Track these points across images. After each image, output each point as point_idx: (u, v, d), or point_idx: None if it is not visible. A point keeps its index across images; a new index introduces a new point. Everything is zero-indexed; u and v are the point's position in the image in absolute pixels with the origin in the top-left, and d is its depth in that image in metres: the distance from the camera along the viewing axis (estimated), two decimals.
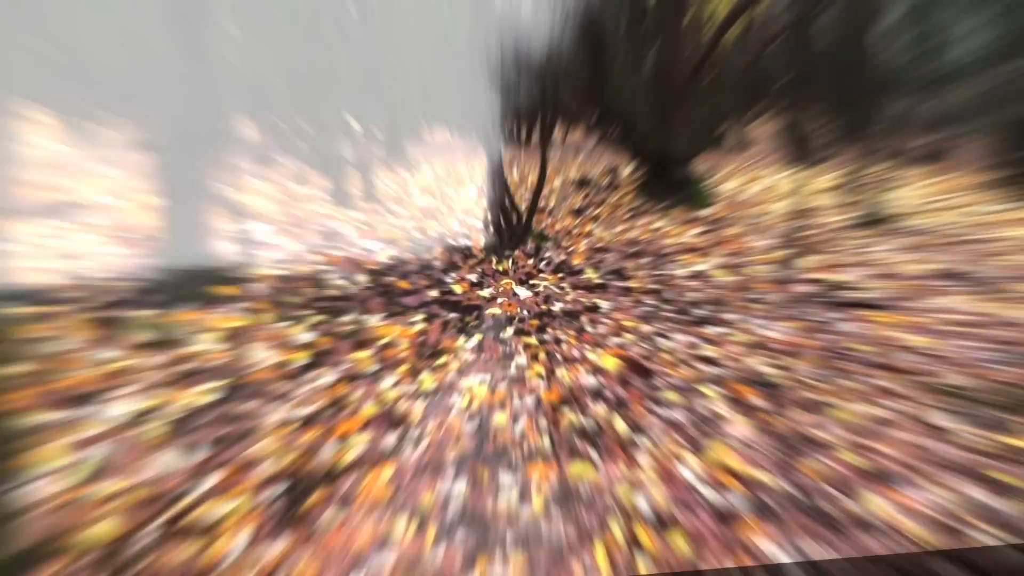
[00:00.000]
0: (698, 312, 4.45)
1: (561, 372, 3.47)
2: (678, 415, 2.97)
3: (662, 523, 2.19)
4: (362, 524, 2.20)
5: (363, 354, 3.68)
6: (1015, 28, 9.54)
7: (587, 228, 7.35)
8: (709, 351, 3.73)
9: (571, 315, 4.43)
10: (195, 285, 4.52)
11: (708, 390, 3.22)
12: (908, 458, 2.54)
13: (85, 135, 10.89)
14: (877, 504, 2.26)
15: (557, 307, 4.60)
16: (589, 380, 3.37)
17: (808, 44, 12.01)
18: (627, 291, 4.97)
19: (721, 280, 5.22)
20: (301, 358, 3.58)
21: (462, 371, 3.51)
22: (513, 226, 6.39)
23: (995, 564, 2.03)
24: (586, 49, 8.75)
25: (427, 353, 3.74)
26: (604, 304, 4.65)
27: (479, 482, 2.44)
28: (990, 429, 2.75)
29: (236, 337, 3.84)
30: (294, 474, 2.46)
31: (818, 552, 2.05)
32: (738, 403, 3.08)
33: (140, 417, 2.84)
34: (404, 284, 5.09)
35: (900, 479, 2.40)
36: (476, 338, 3.99)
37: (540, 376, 3.43)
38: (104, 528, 2.12)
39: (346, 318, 4.28)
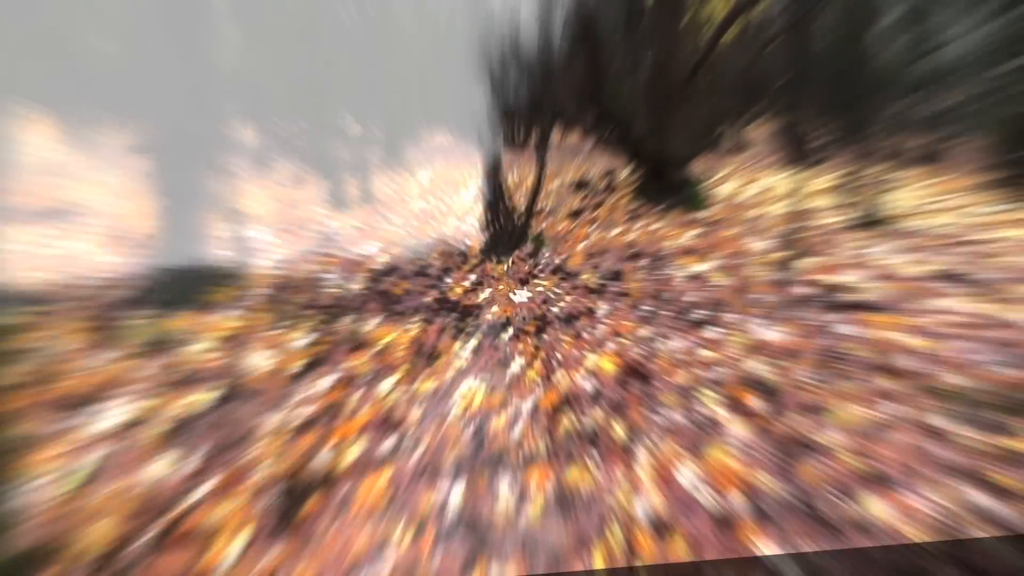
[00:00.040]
0: (696, 315, 4.44)
1: (559, 375, 3.46)
2: (676, 418, 2.96)
3: (660, 528, 2.18)
4: (359, 529, 2.19)
5: (360, 358, 3.66)
6: (1011, 29, 9.54)
7: (585, 230, 7.35)
8: (707, 354, 3.72)
9: (569, 318, 4.42)
10: (192, 288, 4.51)
11: (706, 393, 3.21)
12: (907, 461, 2.53)
13: (83, 138, 10.88)
14: (876, 507, 2.25)
15: (555, 310, 4.59)
16: (587, 383, 3.36)
17: (805, 46, 12.03)
18: (625, 294, 4.96)
19: (719, 282, 5.21)
20: (298, 362, 3.57)
21: (460, 374, 3.50)
22: (511, 228, 6.38)
23: (993, 563, 2.02)
24: (584, 51, 8.75)
25: (424, 356, 3.73)
26: (602, 307, 4.64)
27: (477, 486, 2.43)
28: (990, 431, 2.74)
29: (233, 341, 3.83)
30: (291, 478, 2.45)
31: (817, 556, 2.04)
32: (736, 406, 3.07)
33: (136, 422, 2.82)
34: (402, 287, 5.08)
35: (899, 482, 2.39)
36: (473, 341, 3.99)
37: (538, 379, 3.42)
38: (99, 533, 2.11)
39: (343, 321, 4.27)
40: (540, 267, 5.76)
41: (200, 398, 3.09)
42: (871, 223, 7.33)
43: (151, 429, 2.78)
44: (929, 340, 3.81)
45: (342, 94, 9.97)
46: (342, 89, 9.90)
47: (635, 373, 3.47)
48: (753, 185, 10.50)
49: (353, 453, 2.65)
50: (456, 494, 2.38)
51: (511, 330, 4.20)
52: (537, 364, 3.63)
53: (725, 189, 10.14)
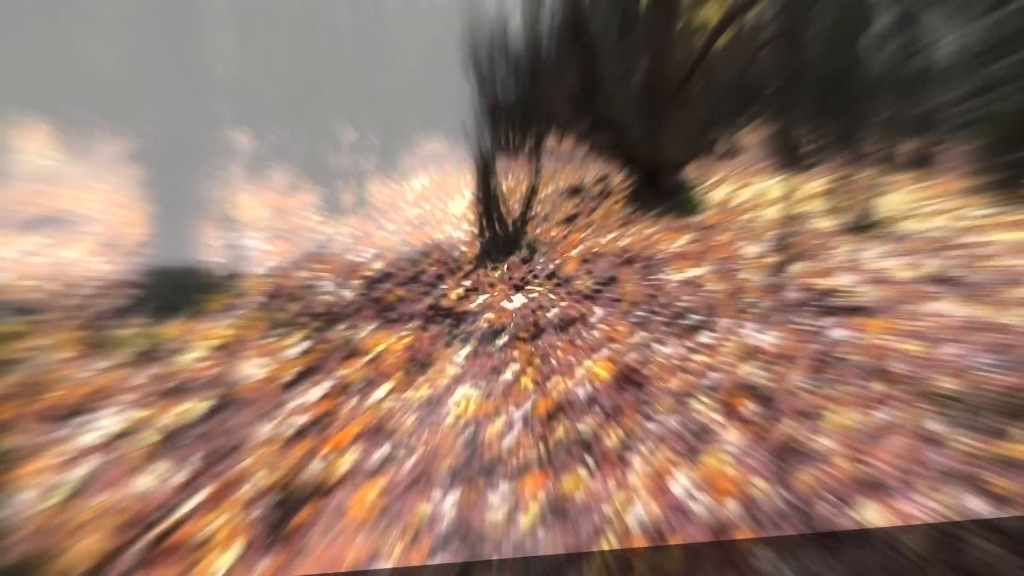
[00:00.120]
0: (690, 320, 4.44)
1: (554, 381, 3.45)
2: (671, 425, 2.95)
3: (655, 537, 2.17)
4: (351, 540, 2.17)
5: (354, 365, 3.65)
6: (1001, 30, 9.59)
7: (579, 236, 7.34)
8: (702, 359, 3.71)
9: (563, 323, 4.41)
10: (184, 296, 4.48)
11: (701, 399, 3.20)
12: (903, 466, 2.52)
13: (77, 145, 10.84)
14: (872, 513, 2.24)
15: (549, 316, 4.58)
16: (582, 389, 3.35)
17: (798, 51, 12.06)
18: (619, 299, 4.95)
19: (713, 287, 5.21)
20: (291, 370, 3.55)
21: (453, 382, 3.48)
22: (505, 234, 6.37)
23: (990, 571, 2.02)
24: (578, 57, 8.76)
25: (419, 363, 3.71)
26: (596, 312, 4.63)
27: (470, 495, 2.41)
28: (987, 436, 2.73)
29: (225, 349, 3.81)
30: (284, 488, 2.43)
31: (814, 562, 2.03)
32: (731, 412, 3.06)
33: (126, 433, 2.80)
34: (396, 293, 5.06)
35: (895, 488, 2.38)
36: (467, 348, 3.97)
37: (532, 386, 3.40)
38: (87, 547, 2.09)
39: (337, 329, 4.25)
40: (534, 273, 5.75)
41: (191, 408, 3.07)
42: (864, 227, 7.34)
43: (141, 440, 2.75)
44: (924, 344, 3.81)
45: (337, 100, 9.96)
46: (337, 95, 9.89)
47: (629, 379, 3.46)
48: (746, 190, 10.51)
49: (346, 463, 2.63)
50: (449, 504, 2.37)
51: (505, 337, 4.18)
52: (531, 371, 3.61)
53: (718, 194, 10.15)
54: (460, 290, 5.20)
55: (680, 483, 2.46)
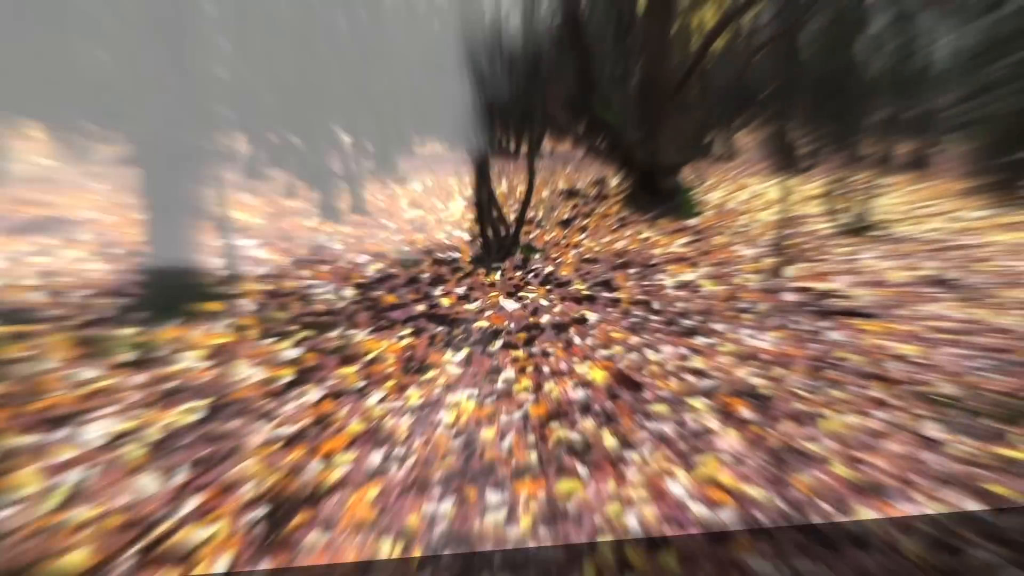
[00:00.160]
0: (687, 323, 4.43)
1: (549, 386, 3.43)
2: (668, 429, 2.94)
3: (652, 542, 2.16)
4: (347, 545, 2.16)
5: (349, 370, 3.63)
6: (997, 35, 9.61)
7: (575, 239, 7.34)
8: (698, 363, 3.70)
9: (559, 327, 4.39)
10: (179, 301, 4.46)
11: (698, 403, 3.19)
12: (901, 471, 2.51)
13: (74, 149, 10.84)
14: (870, 518, 2.23)
15: (545, 319, 4.57)
16: (577, 394, 3.34)
17: (794, 53, 12.09)
18: (615, 302, 4.94)
19: (709, 290, 5.20)
20: (286, 375, 3.53)
21: (449, 386, 3.47)
22: (501, 238, 6.36)
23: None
24: (574, 60, 8.77)
25: (414, 368, 3.70)
26: (592, 316, 4.62)
27: (466, 500, 2.40)
28: (985, 440, 2.72)
29: (220, 354, 3.79)
30: (277, 495, 2.41)
31: (813, 563, 2.02)
32: (728, 416, 3.05)
33: (118, 439, 2.78)
34: (391, 298, 5.05)
35: (894, 493, 2.37)
36: (463, 352, 3.96)
37: (528, 390, 3.39)
38: (77, 557, 2.07)
39: (332, 333, 4.23)
40: (531, 276, 5.74)
41: (185, 413, 3.05)
42: (860, 229, 7.34)
43: (134, 446, 2.73)
44: (921, 346, 3.80)
45: (334, 104, 9.96)
46: (334, 99, 9.89)
47: (626, 383, 3.45)
48: (743, 192, 10.52)
49: (341, 467, 2.61)
50: (445, 508, 2.35)
51: (501, 340, 4.17)
52: (527, 374, 3.60)
53: (715, 196, 10.16)
54: (456, 294, 5.19)
55: (677, 487, 2.45)
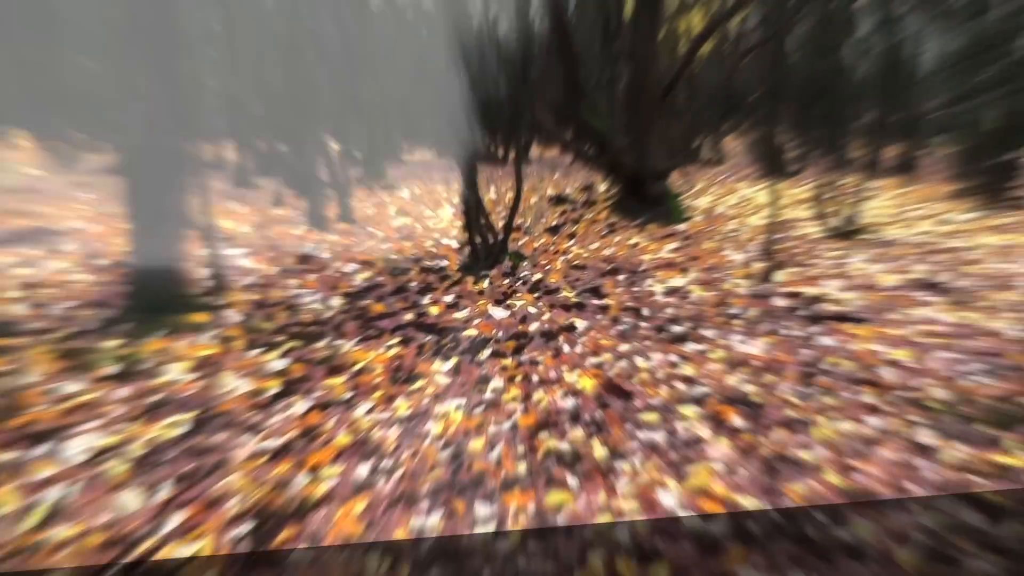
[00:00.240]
0: (676, 329, 4.41)
1: (538, 395, 3.40)
2: (658, 438, 2.91)
3: (644, 553, 2.13)
4: (334, 560, 2.12)
5: (336, 380, 3.59)
6: (982, 39, 9.67)
7: (563, 246, 7.32)
8: (688, 370, 3.68)
9: (548, 335, 4.37)
10: (164, 312, 4.41)
11: (688, 411, 3.16)
12: (895, 479, 2.49)
13: (60, 158, 10.75)
14: (863, 527, 2.21)
15: (533, 327, 4.54)
16: (566, 403, 3.30)
17: (782, 58, 12.13)
18: (604, 309, 4.92)
19: (699, 296, 5.18)
20: (273, 386, 3.49)
21: (437, 395, 3.43)
22: (489, 245, 6.33)
23: None
24: (562, 66, 8.76)
25: (402, 378, 3.66)
26: (581, 323, 4.60)
27: (454, 513, 2.36)
28: (978, 446, 2.71)
29: (206, 366, 3.74)
30: (263, 510, 2.37)
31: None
32: (719, 424, 3.02)
33: (101, 455, 2.73)
34: (379, 307, 5.01)
35: (886, 500, 2.35)
36: (452, 361, 3.92)
37: (516, 400, 3.36)
38: (60, 573, 2.02)
39: (320, 343, 4.19)
40: (519, 284, 5.71)
41: (170, 427, 3.00)
42: (849, 232, 7.35)
43: (118, 461, 2.69)
44: (913, 351, 3.79)
45: (322, 112, 9.93)
46: (322, 107, 9.86)
47: (615, 391, 3.42)
48: (731, 197, 10.54)
49: (328, 480, 2.57)
50: (433, 521, 2.31)
51: (490, 349, 4.14)
52: (516, 383, 3.57)
53: (703, 201, 10.17)
54: (444, 302, 5.15)
55: (669, 497, 2.42)
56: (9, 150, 10.19)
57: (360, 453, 2.80)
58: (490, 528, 2.28)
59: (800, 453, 2.71)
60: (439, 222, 8.91)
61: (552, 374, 3.69)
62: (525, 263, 6.47)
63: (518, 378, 3.64)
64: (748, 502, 2.37)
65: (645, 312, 4.82)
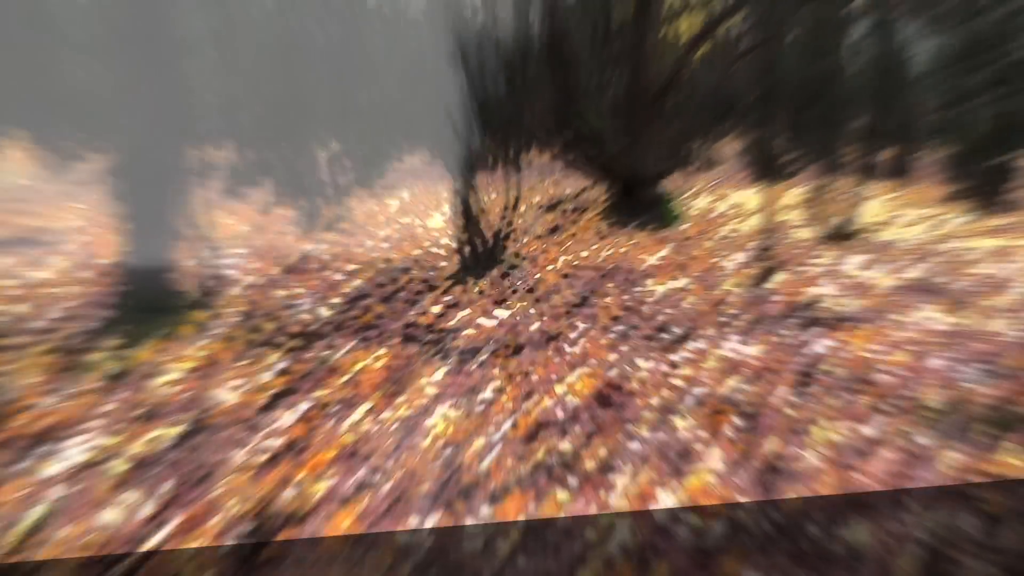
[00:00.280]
0: (671, 333, 4.39)
1: (533, 399, 3.39)
2: (654, 443, 2.89)
3: (640, 560, 2.11)
4: (327, 570, 2.10)
5: (330, 386, 3.57)
6: (976, 42, 9.69)
7: (558, 249, 7.30)
8: (683, 374, 3.67)
9: (542, 339, 4.35)
10: (159, 317, 4.39)
11: (684, 415, 3.15)
12: (893, 483, 2.48)
13: (54, 163, 10.70)
14: (862, 533, 2.19)
15: (529, 331, 4.52)
16: (561, 408, 3.29)
17: (775, 62, 12.14)
18: (598, 313, 4.91)
19: (693, 300, 5.17)
20: (266, 392, 3.46)
21: (432, 401, 3.41)
22: (484, 249, 6.32)
23: None
24: (555, 71, 8.75)
25: (396, 383, 3.64)
26: (575, 327, 4.58)
27: (449, 520, 2.34)
28: (977, 450, 2.70)
29: (199, 371, 3.72)
30: (256, 517, 2.34)
31: None
32: (715, 429, 3.01)
33: (93, 461, 2.71)
34: (374, 311, 4.99)
35: (884, 506, 2.34)
36: (446, 366, 3.90)
37: (511, 404, 3.34)
38: None
39: (314, 348, 4.17)
40: (514, 288, 5.70)
41: (162, 434, 2.98)
42: (845, 236, 7.35)
43: (109, 469, 2.66)
44: (910, 354, 3.78)
45: (316, 115, 9.89)
46: (316, 110, 9.82)
47: (610, 396, 3.41)
48: (725, 201, 10.54)
49: (321, 489, 2.55)
50: (427, 529, 2.29)
51: (484, 354, 4.12)
52: (511, 388, 3.55)
53: (697, 206, 10.17)
54: (439, 307, 5.13)
55: (666, 501, 2.40)
56: (3, 153, 10.14)
57: (354, 459, 2.78)
58: (484, 537, 2.26)
59: (796, 458, 2.69)
60: (433, 226, 8.89)
61: (547, 378, 3.67)
62: (519, 268, 6.46)
63: (513, 382, 3.63)
64: (745, 506, 2.35)
65: (640, 316, 4.81)
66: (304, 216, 8.58)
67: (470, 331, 4.55)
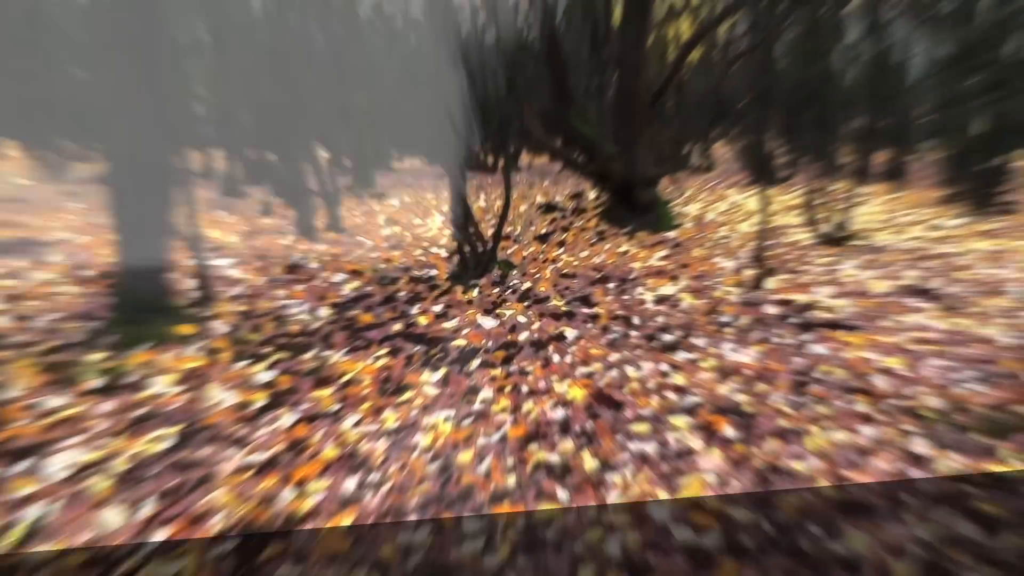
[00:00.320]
0: (667, 338, 4.38)
1: (528, 406, 3.37)
2: (649, 448, 2.88)
3: (635, 568, 2.09)
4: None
5: (324, 392, 3.55)
6: (971, 45, 9.72)
7: (553, 254, 7.29)
8: (679, 379, 3.66)
9: (537, 345, 4.34)
10: (150, 323, 4.36)
11: (680, 421, 3.14)
12: (889, 489, 2.47)
13: (48, 168, 10.68)
14: (858, 539, 2.18)
15: (523, 337, 4.51)
16: (556, 414, 3.27)
17: (770, 64, 12.16)
18: (594, 318, 4.89)
19: (689, 304, 5.16)
20: (260, 399, 3.45)
21: (426, 407, 3.40)
22: (479, 254, 6.30)
23: None
24: (551, 74, 8.75)
25: (390, 389, 3.62)
26: (571, 332, 4.57)
27: (443, 528, 2.32)
28: (973, 455, 2.69)
29: (192, 378, 3.69)
30: (248, 526, 2.33)
31: None
32: (711, 434, 2.99)
33: (83, 471, 2.68)
34: (368, 317, 4.97)
35: (881, 511, 2.33)
36: (441, 372, 3.88)
37: (506, 410, 3.32)
38: None
39: (308, 354, 4.15)
40: (508, 292, 5.68)
41: (155, 441, 2.95)
42: (839, 239, 7.35)
43: (101, 477, 2.64)
44: (905, 359, 3.78)
45: (311, 121, 9.88)
46: (311, 116, 9.81)
47: (605, 401, 3.39)
48: (720, 204, 10.54)
49: (315, 495, 2.53)
50: (421, 536, 2.28)
51: (479, 359, 4.10)
52: (505, 394, 3.54)
53: (692, 208, 10.16)
54: (433, 312, 5.12)
55: (661, 510, 2.39)
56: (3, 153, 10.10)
57: (348, 465, 2.77)
58: (479, 543, 2.25)
59: (792, 463, 2.68)
60: (428, 231, 8.87)
61: (542, 384, 3.66)
62: (514, 272, 6.44)
63: (508, 388, 3.61)
64: (740, 514, 2.34)
65: (635, 321, 4.80)
66: (297, 222, 8.56)
67: (464, 336, 4.54)
